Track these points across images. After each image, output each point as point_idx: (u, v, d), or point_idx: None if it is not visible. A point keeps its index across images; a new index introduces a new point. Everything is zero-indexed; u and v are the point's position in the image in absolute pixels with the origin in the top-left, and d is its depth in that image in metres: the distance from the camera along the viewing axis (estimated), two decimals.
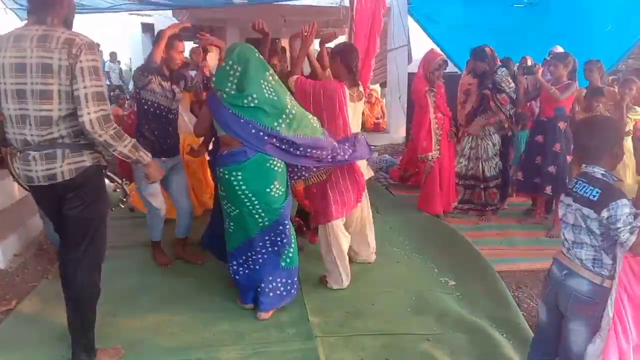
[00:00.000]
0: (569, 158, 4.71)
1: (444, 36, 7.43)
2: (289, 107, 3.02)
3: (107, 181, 2.60)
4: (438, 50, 6.11)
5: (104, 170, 2.54)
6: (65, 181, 2.35)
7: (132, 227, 4.77)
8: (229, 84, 2.94)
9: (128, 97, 10.04)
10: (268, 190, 3.03)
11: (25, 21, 2.43)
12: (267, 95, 2.95)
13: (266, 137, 2.96)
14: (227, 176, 3.00)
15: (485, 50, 5.09)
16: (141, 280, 3.73)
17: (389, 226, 4.89)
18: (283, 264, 3.19)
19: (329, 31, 3.77)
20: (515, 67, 5.61)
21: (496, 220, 5.20)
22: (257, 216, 3.07)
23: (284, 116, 2.99)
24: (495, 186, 5.20)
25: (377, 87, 11.71)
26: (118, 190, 2.72)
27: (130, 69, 15.45)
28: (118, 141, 2.36)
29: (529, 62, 5.77)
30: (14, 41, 2.26)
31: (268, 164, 3.02)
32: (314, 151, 3.13)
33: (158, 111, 3.64)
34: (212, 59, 5.67)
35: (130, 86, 13.50)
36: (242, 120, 2.93)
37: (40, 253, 4.18)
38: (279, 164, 3.07)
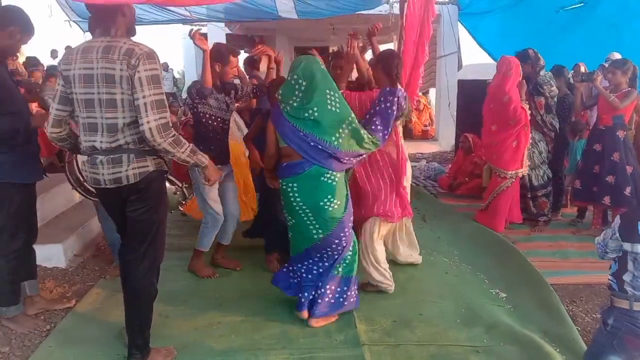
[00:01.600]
0: (629, 168, 4.54)
1: (493, 44, 7.32)
2: (349, 119, 3.03)
3: (167, 184, 2.71)
4: None
5: (165, 175, 2.64)
6: (130, 185, 2.46)
7: (185, 230, 4.92)
8: (294, 97, 2.99)
9: (181, 104, 10.35)
10: (322, 203, 3.03)
11: (88, 33, 2.58)
12: (329, 107, 2.97)
13: (322, 150, 2.99)
14: (284, 187, 3.08)
15: (528, 52, 4.97)
16: (192, 282, 3.83)
17: (437, 235, 4.84)
18: (336, 272, 3.19)
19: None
20: (570, 75, 5.46)
21: (549, 231, 5.05)
22: (311, 227, 3.09)
23: (340, 130, 3.00)
24: (544, 195, 5.06)
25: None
26: (178, 193, 2.82)
27: (183, 77, 15.95)
28: (176, 147, 2.45)
29: (583, 69, 5.60)
30: (82, 53, 2.39)
31: (323, 178, 3.02)
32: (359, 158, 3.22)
33: (215, 123, 3.74)
34: (261, 66, 5.80)
35: (184, 94, 13.94)
36: (301, 133, 2.97)
37: (98, 254, 4.36)
38: (335, 178, 3.05)
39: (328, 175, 3.03)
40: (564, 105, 5.23)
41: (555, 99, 5.00)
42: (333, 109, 2.99)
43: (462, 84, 8.23)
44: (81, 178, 3.14)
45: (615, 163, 4.60)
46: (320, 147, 2.97)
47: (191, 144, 2.55)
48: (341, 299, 3.21)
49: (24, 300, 3.16)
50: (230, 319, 3.25)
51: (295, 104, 2.99)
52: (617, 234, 2.27)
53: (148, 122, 2.34)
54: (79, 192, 3.22)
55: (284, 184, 3.08)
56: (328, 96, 2.98)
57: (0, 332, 3.00)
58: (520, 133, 4.73)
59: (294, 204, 3.06)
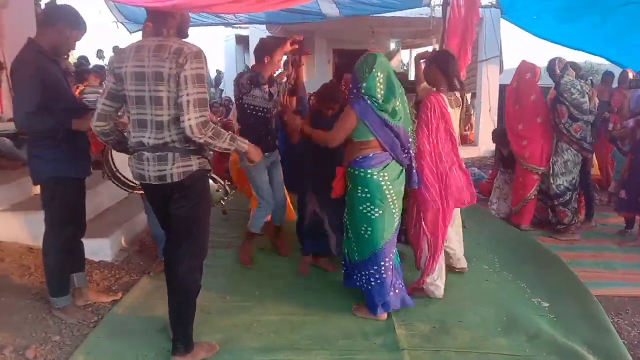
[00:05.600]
0: None
1: (555, 32, 7.12)
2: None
3: (210, 182, 2.77)
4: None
5: (208, 174, 2.70)
6: (174, 183, 2.52)
7: (226, 228, 5.01)
8: (379, 91, 3.09)
9: (220, 104, 10.52)
10: (402, 189, 3.26)
11: (134, 34, 2.66)
12: (404, 101, 3.23)
13: (400, 139, 3.16)
14: (374, 176, 3.13)
15: (551, 61, 5.06)
16: (233, 280, 3.91)
17: (477, 242, 4.77)
18: (397, 262, 3.39)
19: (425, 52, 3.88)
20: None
21: (592, 241, 4.95)
22: (396, 216, 3.22)
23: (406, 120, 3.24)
24: (562, 204, 4.96)
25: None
26: (220, 190, 2.89)
27: (221, 77, 16.24)
28: (217, 139, 2.51)
29: (630, 76, 5.45)
30: (135, 51, 2.48)
31: (401, 167, 3.22)
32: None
33: (260, 113, 3.96)
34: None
35: (224, 94, 14.18)
36: (387, 125, 3.11)
37: (143, 249, 4.48)
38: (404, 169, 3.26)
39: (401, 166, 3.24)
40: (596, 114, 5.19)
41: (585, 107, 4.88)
42: (405, 103, 3.24)
43: (503, 88, 8.10)
44: (114, 169, 3.23)
45: None
46: (399, 136, 3.14)
47: (230, 132, 2.60)
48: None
49: (72, 291, 3.27)
50: (269, 317, 3.30)
51: (381, 98, 3.09)
52: None
53: (189, 120, 2.40)
54: (115, 184, 3.31)
55: (374, 173, 3.13)
56: (399, 90, 3.18)
57: (52, 321, 3.12)
58: (545, 130, 5.06)
59: (386, 192, 3.14)
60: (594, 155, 5.65)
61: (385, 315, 3.30)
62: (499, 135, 5.81)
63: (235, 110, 7.97)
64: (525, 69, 5.26)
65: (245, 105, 3.94)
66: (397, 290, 3.32)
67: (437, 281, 3.57)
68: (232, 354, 2.87)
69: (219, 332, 3.08)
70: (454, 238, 3.92)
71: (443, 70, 3.48)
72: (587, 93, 4.92)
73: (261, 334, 3.10)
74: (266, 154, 3.89)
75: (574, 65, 5.03)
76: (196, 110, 2.41)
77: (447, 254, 3.84)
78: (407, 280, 3.69)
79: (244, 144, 2.67)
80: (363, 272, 3.29)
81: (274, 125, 4.19)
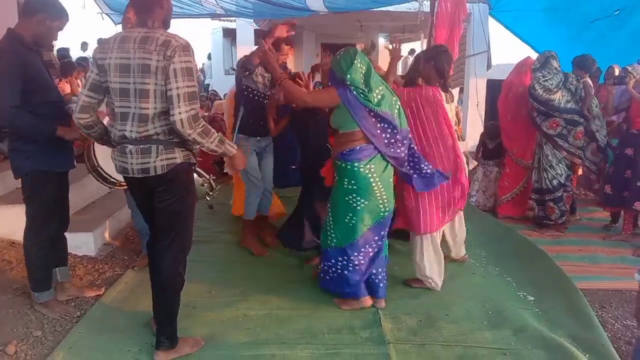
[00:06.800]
0: None
1: (536, 37, 7.20)
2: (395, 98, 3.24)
3: (195, 176, 2.73)
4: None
5: (193, 167, 2.66)
6: (158, 175, 2.48)
7: (212, 222, 4.97)
8: (362, 81, 3.08)
9: (207, 97, 10.47)
10: (391, 180, 3.27)
11: (120, 25, 2.59)
12: (388, 89, 3.20)
13: (386, 128, 3.13)
14: (361, 169, 3.12)
15: (539, 55, 5.16)
16: (219, 274, 3.87)
17: None
18: (386, 253, 3.38)
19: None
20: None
21: (578, 235, 4.98)
22: (381, 206, 3.20)
23: (396, 110, 3.20)
24: (552, 200, 4.99)
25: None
26: (205, 185, 2.85)
27: (204, 70, 16.22)
28: (205, 138, 2.47)
29: (617, 72, 5.48)
30: (119, 43, 2.42)
31: (386, 162, 3.21)
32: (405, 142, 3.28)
33: (257, 97, 4.01)
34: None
35: (211, 87, 14.09)
36: (373, 113, 3.09)
37: (127, 243, 4.43)
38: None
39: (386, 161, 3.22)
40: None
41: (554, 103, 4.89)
42: (388, 90, 3.20)
43: (491, 83, 8.13)
44: (96, 163, 3.16)
45: None
46: (385, 125, 3.12)
47: (219, 134, 2.57)
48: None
49: (55, 286, 3.22)
50: (256, 312, 3.27)
51: (364, 88, 3.08)
52: None
53: (180, 113, 2.36)
54: (95, 179, 3.23)
55: (361, 166, 3.12)
56: (381, 79, 3.19)
57: (34, 316, 3.07)
58: (530, 123, 5.11)
59: (373, 184, 3.14)
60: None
61: (369, 301, 3.30)
62: (489, 129, 5.83)
63: (217, 103, 7.93)
64: (523, 62, 5.41)
65: (244, 87, 4.01)
66: (384, 280, 3.35)
67: (434, 275, 3.60)
68: (218, 349, 2.84)
69: (204, 327, 3.05)
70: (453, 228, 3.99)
71: (439, 69, 3.50)
72: (569, 89, 4.89)
73: (248, 328, 3.07)
74: (258, 138, 4.08)
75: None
76: (186, 104, 2.37)
77: (446, 244, 3.94)
78: (397, 273, 3.75)
79: (232, 148, 2.64)
80: (340, 258, 3.27)
81: None
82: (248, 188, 4.19)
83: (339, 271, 3.28)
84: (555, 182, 4.94)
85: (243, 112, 3.94)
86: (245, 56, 4.00)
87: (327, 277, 3.37)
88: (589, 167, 5.21)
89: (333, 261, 3.29)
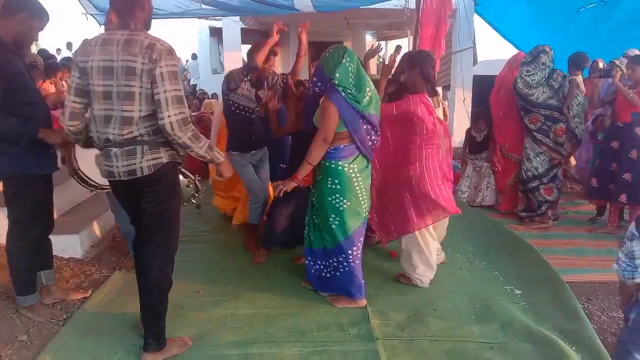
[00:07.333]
0: None
1: (520, 35, 7.26)
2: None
3: (180, 177, 2.72)
4: None
5: (179, 167, 2.65)
6: (144, 176, 2.46)
7: (199, 222, 4.95)
8: (351, 81, 3.07)
9: (195, 97, 10.43)
10: (369, 180, 3.27)
11: (104, 26, 2.56)
12: (374, 89, 3.19)
13: (371, 130, 3.15)
14: (345, 169, 3.12)
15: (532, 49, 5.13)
16: (207, 274, 3.85)
17: (451, 231, 4.77)
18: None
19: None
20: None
21: (564, 228, 5.02)
22: (364, 206, 3.22)
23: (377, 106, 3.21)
24: (529, 190, 5.06)
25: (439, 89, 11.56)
26: (191, 186, 2.83)
27: (187, 68, 16.14)
28: (195, 142, 2.46)
29: (601, 65, 5.52)
30: (101, 45, 2.39)
31: (368, 161, 3.22)
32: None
33: (244, 112, 4.00)
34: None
35: (198, 87, 14.04)
36: (360, 115, 3.08)
37: (113, 245, 4.40)
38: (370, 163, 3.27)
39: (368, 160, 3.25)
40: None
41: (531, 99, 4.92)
42: (375, 91, 3.21)
43: (478, 79, 8.17)
44: (76, 167, 3.12)
45: (633, 161, 4.53)
46: (370, 125, 3.12)
47: (209, 140, 2.56)
48: None
49: (40, 289, 3.20)
50: (244, 311, 3.26)
51: (354, 88, 3.06)
52: (638, 234, 2.22)
53: (169, 117, 2.35)
54: (77, 181, 3.19)
55: (345, 165, 3.12)
56: (368, 79, 3.17)
57: (19, 320, 3.04)
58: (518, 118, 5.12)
59: (355, 184, 3.15)
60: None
61: (364, 301, 3.32)
62: (476, 117, 5.85)
63: (207, 102, 7.90)
64: (515, 57, 5.41)
65: (231, 102, 3.98)
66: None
67: (425, 272, 3.60)
68: (206, 349, 2.83)
69: (192, 327, 3.04)
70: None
71: (425, 75, 3.45)
72: (551, 86, 4.89)
73: (236, 327, 3.07)
74: (253, 152, 4.10)
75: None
76: (175, 107, 2.35)
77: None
78: (385, 269, 3.80)
79: (220, 156, 2.64)
80: (331, 260, 3.28)
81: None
82: (251, 198, 4.22)
83: (340, 270, 3.27)
84: (529, 173, 5.00)
85: (231, 132, 4.01)
86: (230, 72, 4.01)
87: (323, 276, 3.37)
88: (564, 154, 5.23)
89: (330, 261, 3.30)
